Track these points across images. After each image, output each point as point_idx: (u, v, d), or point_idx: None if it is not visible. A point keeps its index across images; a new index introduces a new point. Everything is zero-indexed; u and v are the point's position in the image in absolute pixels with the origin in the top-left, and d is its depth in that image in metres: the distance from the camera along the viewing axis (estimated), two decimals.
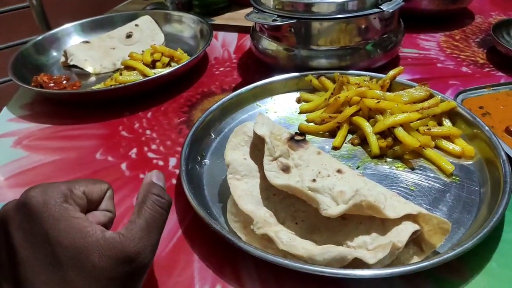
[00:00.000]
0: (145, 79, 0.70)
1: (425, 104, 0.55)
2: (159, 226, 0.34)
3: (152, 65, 0.78)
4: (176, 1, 1.02)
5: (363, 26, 0.66)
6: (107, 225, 0.36)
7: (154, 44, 0.81)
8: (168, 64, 0.79)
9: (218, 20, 0.97)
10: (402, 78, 0.63)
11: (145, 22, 0.91)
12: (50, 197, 0.31)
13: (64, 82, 0.77)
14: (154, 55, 0.78)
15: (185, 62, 0.72)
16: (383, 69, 0.66)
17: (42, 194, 0.31)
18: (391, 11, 0.64)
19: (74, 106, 0.71)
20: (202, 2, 1.00)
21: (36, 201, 0.31)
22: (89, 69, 0.81)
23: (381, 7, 0.64)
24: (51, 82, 0.76)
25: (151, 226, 0.33)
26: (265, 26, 0.71)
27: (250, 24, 0.76)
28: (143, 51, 0.81)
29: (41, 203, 0.31)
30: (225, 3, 1.01)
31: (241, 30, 0.93)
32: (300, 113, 0.62)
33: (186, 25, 0.90)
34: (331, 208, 0.40)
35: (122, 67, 0.79)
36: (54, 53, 0.85)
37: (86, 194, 0.34)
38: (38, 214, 0.30)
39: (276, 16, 0.66)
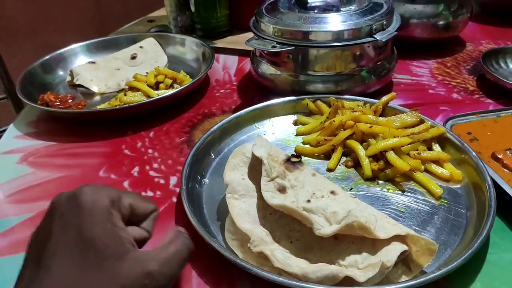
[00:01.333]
0: (148, 100, 0.72)
1: (416, 129, 0.58)
2: (183, 262, 0.35)
3: (156, 86, 0.81)
4: (179, 24, 1.06)
5: (357, 54, 0.70)
6: (140, 243, 0.37)
7: (158, 66, 0.85)
8: (171, 86, 0.81)
9: (220, 43, 1.01)
10: (395, 103, 0.66)
11: (149, 44, 0.95)
12: (99, 199, 0.33)
13: (70, 101, 0.79)
14: (157, 77, 0.81)
15: (187, 84, 0.75)
16: (377, 94, 0.69)
17: (92, 193, 0.33)
18: (384, 40, 0.67)
19: (79, 124, 0.73)
20: (204, 26, 1.03)
21: (85, 198, 0.32)
22: (95, 88, 0.83)
23: (375, 36, 0.67)
24: (57, 100, 0.78)
25: (178, 257, 0.34)
26: (265, 51, 0.74)
27: (251, 48, 0.79)
28: (147, 72, 0.84)
29: (90, 201, 0.32)
30: (227, 27, 1.05)
31: (241, 53, 0.96)
32: (296, 135, 0.65)
33: (189, 48, 0.93)
34: (324, 228, 0.42)
35: (127, 87, 0.82)
36: (61, 72, 0.88)
37: (132, 207, 0.36)
38: (83, 210, 0.32)
39: (275, 42, 0.69)
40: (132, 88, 0.80)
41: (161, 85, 0.81)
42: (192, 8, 1.02)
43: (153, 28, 1.09)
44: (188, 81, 0.80)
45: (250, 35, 0.74)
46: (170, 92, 0.74)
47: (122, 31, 1.13)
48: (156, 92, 0.78)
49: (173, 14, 1.05)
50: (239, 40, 1.01)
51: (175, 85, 0.81)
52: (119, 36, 0.98)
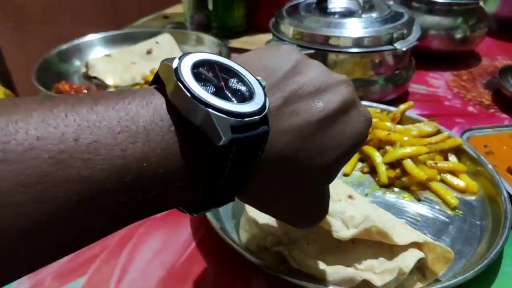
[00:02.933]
0: None
1: (433, 139, 0.58)
2: None
3: None
4: (195, 22, 1.06)
5: (376, 61, 0.70)
6: None
7: None
8: None
9: (235, 43, 1.01)
10: (412, 112, 0.66)
11: (165, 40, 0.95)
12: None
13: (85, 91, 0.80)
14: None
15: None
16: (393, 103, 0.69)
17: None
18: (404, 49, 0.67)
19: None
20: (221, 25, 1.04)
21: None
22: (109, 81, 0.84)
23: (395, 45, 0.68)
24: (71, 90, 0.79)
25: None
26: None
27: None
28: None
29: None
30: (243, 27, 1.05)
31: None
32: None
33: (206, 46, 0.94)
34: (343, 231, 0.42)
35: (141, 81, 0.82)
36: (77, 63, 0.88)
37: None
38: None
39: (296, 45, 0.69)
40: (148, 82, 0.80)
41: None
42: (210, 7, 1.03)
43: (169, 24, 1.10)
44: None
45: (265, 36, 0.74)
46: None
47: (137, 26, 1.14)
48: None
49: (190, 12, 1.05)
50: (254, 41, 1.02)
51: None
52: (136, 30, 0.98)
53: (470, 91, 0.81)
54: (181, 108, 0.23)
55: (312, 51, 0.68)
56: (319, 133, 0.28)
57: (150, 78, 0.79)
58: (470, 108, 0.75)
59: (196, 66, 0.24)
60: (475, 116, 0.73)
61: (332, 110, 0.28)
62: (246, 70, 0.26)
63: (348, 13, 0.75)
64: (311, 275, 0.41)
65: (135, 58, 0.90)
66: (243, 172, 0.25)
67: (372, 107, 0.67)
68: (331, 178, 0.32)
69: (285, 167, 0.28)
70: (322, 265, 0.42)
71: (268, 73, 0.28)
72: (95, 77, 0.85)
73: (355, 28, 0.69)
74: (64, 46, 0.88)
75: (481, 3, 0.89)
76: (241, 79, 0.26)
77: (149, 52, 0.91)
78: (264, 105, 0.24)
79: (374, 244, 0.43)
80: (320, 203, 0.33)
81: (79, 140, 0.20)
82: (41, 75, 0.78)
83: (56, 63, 0.85)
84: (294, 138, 0.27)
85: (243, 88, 0.25)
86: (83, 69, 0.87)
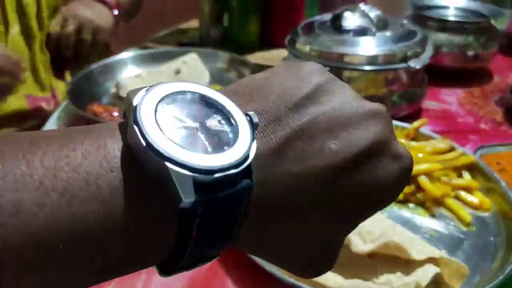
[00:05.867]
0: None
1: (447, 156, 0.59)
2: None
3: None
4: (210, 37, 1.08)
5: (390, 78, 0.72)
6: None
7: (204, 82, 0.86)
8: None
9: (249, 58, 1.03)
10: (425, 129, 0.67)
11: (192, 59, 0.95)
12: None
13: (115, 114, 0.78)
14: None
15: None
16: (407, 119, 0.71)
17: None
18: (418, 67, 0.69)
19: None
20: (236, 40, 1.06)
21: None
22: None
23: (409, 63, 0.69)
24: (104, 112, 0.79)
25: None
26: None
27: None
28: None
29: None
30: (257, 43, 1.08)
31: None
32: None
33: (231, 65, 0.95)
34: (360, 246, 0.44)
35: None
36: (106, 83, 0.89)
37: None
38: None
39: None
40: None
41: None
42: (225, 23, 1.05)
43: (186, 40, 1.12)
44: None
45: (279, 52, 0.76)
46: None
47: (154, 40, 1.16)
48: None
49: (206, 27, 1.08)
50: (268, 56, 1.04)
51: None
52: (164, 50, 1.00)
53: (482, 108, 0.82)
54: (137, 156, 0.18)
55: (327, 68, 0.70)
56: (330, 185, 0.22)
57: None
58: (483, 125, 0.77)
59: (168, 99, 0.20)
60: (487, 133, 0.74)
61: (353, 154, 0.22)
62: (234, 103, 0.21)
63: (362, 31, 0.76)
64: None
65: (163, 78, 0.91)
66: (217, 234, 0.20)
67: None
68: (344, 234, 0.25)
69: (282, 221, 0.22)
70: (339, 279, 0.43)
71: (274, 101, 0.22)
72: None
73: (369, 46, 0.71)
74: (94, 66, 0.88)
75: (492, 21, 0.91)
76: (225, 116, 0.20)
77: (177, 72, 0.92)
78: (247, 154, 0.19)
79: (390, 259, 0.45)
80: (323, 259, 0.26)
81: None
82: (74, 95, 0.78)
83: (84, 84, 0.85)
84: (295, 190, 0.21)
85: (225, 129, 0.20)
86: (113, 89, 0.87)
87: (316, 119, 0.22)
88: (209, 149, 0.19)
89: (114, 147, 0.19)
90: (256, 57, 1.04)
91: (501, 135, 0.73)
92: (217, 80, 0.93)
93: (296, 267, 0.26)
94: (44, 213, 0.17)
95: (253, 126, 0.20)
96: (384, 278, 0.43)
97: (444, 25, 0.89)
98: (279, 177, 0.21)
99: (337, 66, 0.70)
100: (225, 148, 0.19)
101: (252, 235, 0.22)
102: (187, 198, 0.17)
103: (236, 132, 0.20)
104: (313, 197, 0.22)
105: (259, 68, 0.88)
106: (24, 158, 0.17)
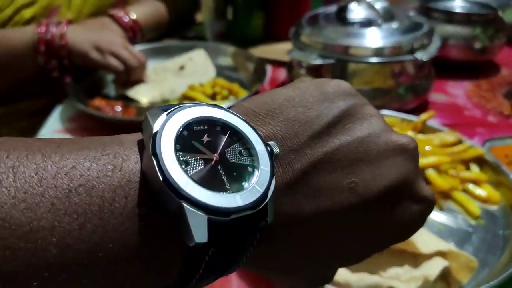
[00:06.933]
0: None
1: (455, 149, 0.59)
2: None
3: (211, 97, 0.81)
4: (214, 31, 1.08)
5: (397, 71, 0.71)
6: None
7: (208, 78, 0.85)
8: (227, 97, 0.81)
9: (254, 51, 1.02)
10: (432, 122, 0.66)
11: (199, 55, 0.94)
12: None
13: (117, 108, 0.78)
14: (215, 87, 0.82)
15: (245, 97, 0.75)
16: (413, 112, 0.70)
17: None
18: (425, 59, 0.68)
19: (127, 130, 0.75)
20: (240, 34, 1.05)
21: None
22: (143, 100, 0.83)
23: (416, 55, 0.68)
24: (107, 106, 0.78)
25: None
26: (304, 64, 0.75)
27: (284, 58, 0.80)
28: (201, 84, 0.84)
29: None
30: (261, 36, 1.07)
31: (274, 63, 0.98)
32: None
33: (239, 61, 0.94)
34: None
35: (175, 98, 0.82)
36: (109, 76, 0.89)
37: None
38: None
39: (317, 55, 0.70)
40: (187, 98, 0.80)
41: (218, 96, 0.81)
42: (229, 16, 1.05)
43: (190, 34, 1.11)
44: (243, 93, 0.80)
45: (283, 45, 0.75)
46: (230, 103, 0.74)
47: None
48: (214, 102, 0.78)
49: (210, 21, 1.07)
50: (273, 50, 1.03)
51: (231, 97, 0.81)
52: (170, 44, 1.00)
53: (490, 101, 0.81)
54: (153, 186, 0.18)
55: (333, 60, 0.69)
56: (340, 226, 0.21)
57: (191, 93, 0.79)
58: (490, 118, 0.75)
59: (189, 127, 0.19)
60: (495, 126, 0.73)
61: (374, 195, 0.20)
62: (256, 131, 0.20)
63: (367, 23, 0.76)
64: (335, 282, 0.42)
65: (168, 75, 0.90)
66: (224, 268, 0.20)
67: (393, 117, 0.67)
68: (345, 266, 0.26)
69: (286, 253, 0.22)
70: (346, 273, 0.43)
71: (295, 128, 0.21)
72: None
73: (375, 38, 0.70)
74: None
75: (500, 13, 0.89)
76: (246, 147, 0.20)
77: (182, 68, 0.92)
78: (265, 193, 0.19)
79: (397, 253, 0.44)
80: (320, 281, 0.26)
81: (6, 220, 0.16)
82: (75, 87, 0.79)
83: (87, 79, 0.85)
84: (303, 227, 0.21)
85: (245, 162, 0.19)
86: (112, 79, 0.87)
87: (337, 151, 0.21)
88: (227, 185, 0.18)
89: (130, 171, 0.18)
90: (261, 51, 1.03)
91: (509, 128, 0.72)
92: (221, 74, 0.92)
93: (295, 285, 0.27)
94: (55, 236, 0.16)
95: (272, 156, 0.20)
96: (391, 271, 0.42)
97: (450, 17, 0.88)
98: (289, 213, 0.20)
99: (343, 59, 0.70)
100: (243, 184, 0.19)
101: (254, 262, 0.22)
102: (200, 239, 0.17)
103: (256, 166, 0.19)
104: (321, 235, 0.21)
105: (263, 62, 0.88)
106: (36, 175, 0.17)
